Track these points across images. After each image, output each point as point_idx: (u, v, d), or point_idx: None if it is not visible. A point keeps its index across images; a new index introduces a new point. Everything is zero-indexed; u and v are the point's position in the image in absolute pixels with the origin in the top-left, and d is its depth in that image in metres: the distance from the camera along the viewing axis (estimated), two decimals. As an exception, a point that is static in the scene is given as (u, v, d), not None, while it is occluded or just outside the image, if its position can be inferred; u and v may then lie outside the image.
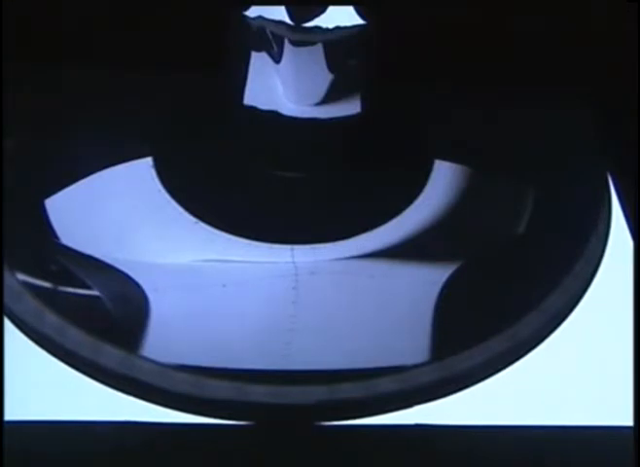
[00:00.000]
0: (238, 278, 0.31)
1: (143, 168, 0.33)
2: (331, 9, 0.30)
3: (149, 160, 0.34)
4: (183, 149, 0.35)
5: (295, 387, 0.27)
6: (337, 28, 0.30)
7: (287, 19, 0.30)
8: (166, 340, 0.29)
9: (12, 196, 0.31)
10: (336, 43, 0.31)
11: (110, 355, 0.28)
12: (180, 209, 0.32)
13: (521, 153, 0.35)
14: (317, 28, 0.30)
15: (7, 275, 0.30)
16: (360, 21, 0.31)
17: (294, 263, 0.31)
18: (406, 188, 0.33)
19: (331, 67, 0.32)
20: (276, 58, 0.32)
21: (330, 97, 0.33)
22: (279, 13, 0.30)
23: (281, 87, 0.32)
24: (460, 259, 0.31)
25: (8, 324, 0.29)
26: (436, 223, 0.32)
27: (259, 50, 0.32)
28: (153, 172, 0.33)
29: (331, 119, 0.33)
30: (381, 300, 0.30)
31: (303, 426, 0.27)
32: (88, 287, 0.30)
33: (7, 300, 0.29)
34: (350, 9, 0.31)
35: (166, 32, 0.36)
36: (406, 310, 0.30)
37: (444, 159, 0.34)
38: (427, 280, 0.31)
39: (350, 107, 0.33)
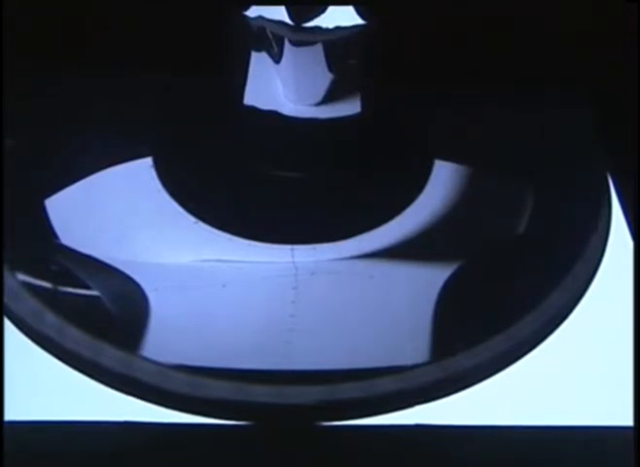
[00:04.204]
0: (238, 278, 0.31)
1: (143, 168, 0.33)
2: (331, 9, 0.30)
3: (149, 160, 0.34)
4: (183, 149, 0.35)
5: (295, 387, 0.27)
6: (338, 28, 0.30)
7: (287, 19, 0.30)
8: (166, 339, 0.29)
9: (12, 196, 0.31)
10: (336, 43, 0.31)
11: (110, 355, 0.28)
12: (180, 209, 0.32)
13: (521, 153, 0.35)
14: (317, 28, 0.30)
15: (7, 275, 0.30)
16: (360, 21, 0.31)
17: (294, 263, 0.31)
18: (406, 188, 0.33)
19: (331, 67, 0.32)
20: (276, 58, 0.32)
21: (330, 97, 0.33)
22: (279, 13, 0.30)
23: (281, 87, 0.32)
24: (460, 259, 0.31)
25: (8, 324, 0.29)
26: (436, 223, 0.32)
27: (259, 50, 0.32)
28: (153, 172, 0.33)
29: (331, 119, 0.33)
30: (381, 300, 0.30)
31: (303, 426, 0.27)
32: (88, 287, 0.30)
33: (7, 300, 0.29)
34: (350, 9, 0.31)
35: (166, 32, 0.36)
36: (406, 310, 0.30)
37: (444, 159, 0.34)
38: (427, 280, 0.31)
39: (350, 107, 0.33)
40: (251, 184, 0.33)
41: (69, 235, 0.31)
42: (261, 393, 0.27)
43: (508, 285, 0.31)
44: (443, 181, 0.34)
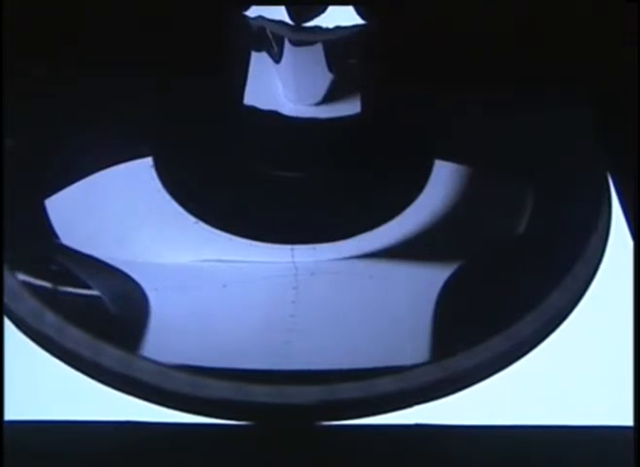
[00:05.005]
0: (238, 278, 0.31)
1: (143, 168, 0.33)
2: (331, 9, 0.30)
3: (149, 160, 0.34)
4: (183, 149, 0.35)
5: (295, 387, 0.27)
6: (338, 28, 0.30)
7: (287, 19, 0.30)
8: (166, 339, 0.29)
9: (12, 196, 0.31)
10: (336, 43, 0.31)
11: (110, 355, 0.28)
12: (180, 209, 0.32)
13: (521, 153, 0.35)
14: (317, 28, 0.30)
15: (7, 275, 0.30)
16: (360, 21, 0.31)
17: (294, 263, 0.31)
18: (406, 188, 0.33)
19: (331, 67, 0.32)
20: (276, 58, 0.32)
21: (330, 97, 0.33)
22: (279, 13, 0.30)
23: (281, 87, 0.32)
24: (460, 259, 0.31)
25: (8, 324, 0.29)
26: (436, 223, 0.32)
27: (259, 50, 0.32)
28: (153, 172, 0.33)
29: (331, 119, 0.33)
30: (381, 300, 0.30)
31: (303, 426, 0.27)
32: (89, 287, 0.30)
33: (7, 300, 0.29)
34: (350, 9, 0.31)
35: (166, 32, 0.36)
36: (406, 310, 0.30)
37: (445, 159, 0.34)
38: (427, 280, 0.31)
39: (350, 107, 0.33)
40: (251, 184, 0.33)
41: (69, 235, 0.31)
42: (261, 393, 0.27)
43: (508, 285, 0.31)
44: (443, 181, 0.34)
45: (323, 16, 0.30)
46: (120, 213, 0.32)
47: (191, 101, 0.36)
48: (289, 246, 0.31)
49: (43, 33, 0.36)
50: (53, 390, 0.28)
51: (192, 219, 0.32)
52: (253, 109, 0.33)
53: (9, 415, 0.26)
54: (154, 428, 0.27)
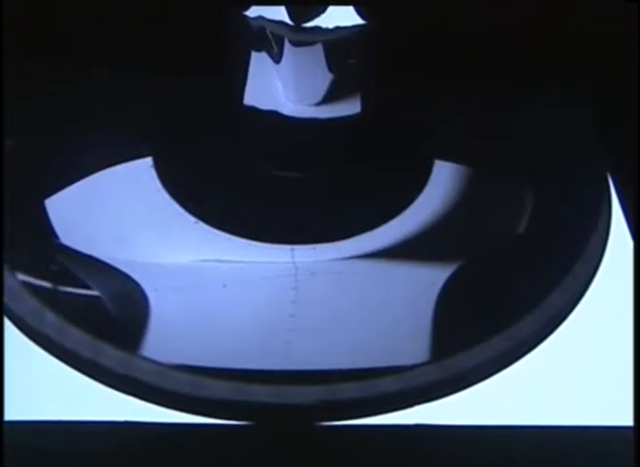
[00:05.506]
0: (238, 278, 0.31)
1: (143, 168, 0.33)
2: (331, 9, 0.30)
3: (149, 160, 0.34)
4: (183, 149, 0.35)
5: (295, 387, 0.27)
6: (338, 28, 0.30)
7: (287, 19, 0.30)
8: (166, 339, 0.29)
9: (12, 196, 0.31)
10: (336, 43, 0.31)
11: (110, 355, 0.28)
12: (180, 209, 0.32)
13: (521, 153, 0.35)
14: (317, 28, 0.30)
15: (7, 275, 0.30)
16: (360, 21, 0.31)
17: (294, 263, 0.31)
18: (406, 188, 0.33)
19: (331, 67, 0.32)
20: (276, 58, 0.32)
21: (330, 97, 0.33)
22: (279, 13, 0.30)
23: (281, 87, 0.32)
24: (460, 259, 0.31)
25: (8, 324, 0.29)
26: (436, 223, 0.32)
27: (259, 50, 0.32)
28: (153, 172, 0.33)
29: (331, 119, 0.33)
30: (381, 300, 0.30)
31: (303, 426, 0.27)
32: (89, 287, 0.30)
33: (7, 300, 0.29)
34: (350, 9, 0.31)
35: (166, 32, 0.36)
36: (406, 310, 0.30)
37: (445, 159, 0.34)
38: (427, 280, 0.31)
39: (350, 107, 0.33)
40: (251, 184, 0.33)
41: (69, 235, 0.31)
42: (261, 393, 0.27)
43: (508, 285, 0.31)
44: (443, 181, 0.34)
45: (323, 16, 0.30)
46: (119, 213, 0.32)
47: (191, 101, 0.36)
48: (289, 246, 0.31)
49: (43, 33, 0.36)
50: (52, 390, 0.28)
51: (191, 219, 0.32)
52: (253, 109, 0.33)
53: (9, 415, 0.26)
54: (153, 428, 0.27)
